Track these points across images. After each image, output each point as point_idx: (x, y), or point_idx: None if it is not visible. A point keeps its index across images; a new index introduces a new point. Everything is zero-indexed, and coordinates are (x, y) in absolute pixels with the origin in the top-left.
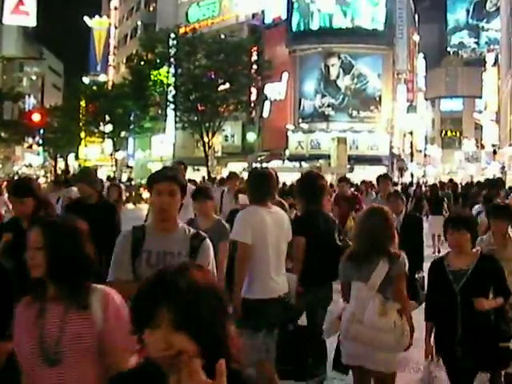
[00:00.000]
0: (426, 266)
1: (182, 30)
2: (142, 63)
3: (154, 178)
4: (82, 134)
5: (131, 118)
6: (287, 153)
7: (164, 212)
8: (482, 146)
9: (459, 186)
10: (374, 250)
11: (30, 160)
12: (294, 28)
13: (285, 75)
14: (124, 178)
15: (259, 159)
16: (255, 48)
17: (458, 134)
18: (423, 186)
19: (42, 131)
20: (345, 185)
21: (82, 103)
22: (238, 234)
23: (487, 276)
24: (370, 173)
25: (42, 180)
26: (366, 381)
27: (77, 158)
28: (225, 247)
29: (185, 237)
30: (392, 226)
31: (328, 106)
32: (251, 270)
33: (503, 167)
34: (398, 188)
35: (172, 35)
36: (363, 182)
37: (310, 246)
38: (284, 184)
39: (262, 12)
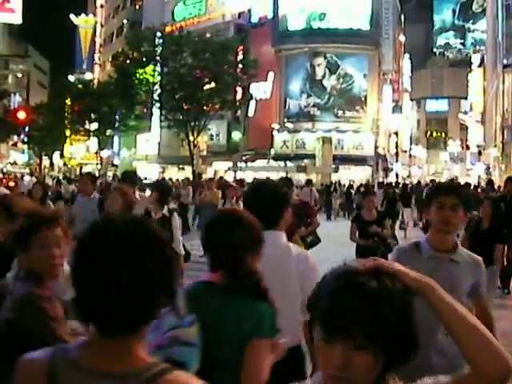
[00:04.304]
0: None
1: (168, 29)
2: (128, 61)
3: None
4: (68, 132)
5: (117, 117)
6: (272, 152)
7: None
8: (467, 147)
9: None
10: None
11: (15, 158)
12: (280, 27)
13: (270, 74)
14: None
15: (244, 158)
16: (241, 47)
17: (443, 135)
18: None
19: (27, 129)
20: (288, 191)
21: (68, 101)
22: None
23: None
24: (355, 172)
25: (27, 178)
26: None
27: (62, 156)
28: None
29: None
30: None
31: (313, 105)
32: None
33: (488, 168)
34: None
35: (158, 34)
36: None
37: None
38: None
39: (249, 11)
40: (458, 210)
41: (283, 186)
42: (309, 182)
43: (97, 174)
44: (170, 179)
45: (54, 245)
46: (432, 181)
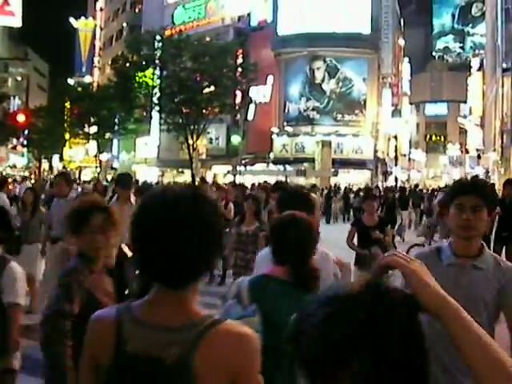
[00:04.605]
0: None
1: (167, 32)
2: (128, 65)
3: None
4: (67, 136)
5: (116, 120)
6: (272, 156)
7: None
8: (467, 151)
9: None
10: None
11: (15, 161)
12: (280, 31)
13: (270, 78)
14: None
15: (243, 162)
16: (241, 51)
17: (442, 139)
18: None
19: (26, 132)
20: None
21: (67, 104)
22: None
23: None
24: (355, 176)
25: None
26: None
27: (61, 159)
28: None
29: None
30: None
31: (313, 109)
32: None
33: (487, 172)
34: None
35: (158, 37)
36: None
37: None
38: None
39: (248, 15)
40: (481, 211)
41: (278, 190)
42: (313, 187)
43: (96, 178)
44: (169, 183)
45: (99, 231)
46: (444, 187)
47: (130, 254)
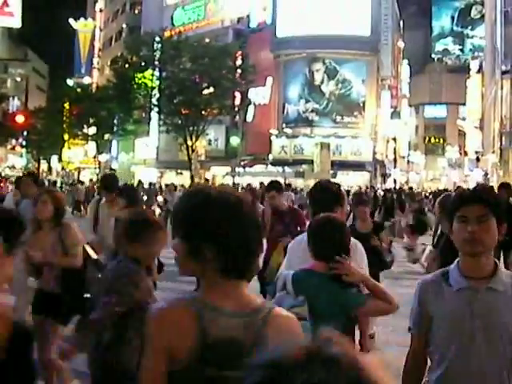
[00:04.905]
0: None
1: (167, 34)
2: (127, 66)
3: None
4: (66, 136)
5: (115, 121)
6: (270, 157)
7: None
8: (466, 153)
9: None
10: None
11: (13, 162)
12: (279, 33)
13: (269, 80)
14: None
15: (242, 163)
16: (240, 52)
17: (441, 141)
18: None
19: (25, 133)
20: (276, 195)
21: (66, 105)
22: None
23: None
24: (353, 178)
25: None
26: None
27: (60, 160)
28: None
29: None
30: None
31: (312, 111)
32: None
33: (486, 174)
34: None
35: (157, 38)
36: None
37: None
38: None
39: (247, 16)
40: (488, 222)
41: (272, 189)
42: None
43: (95, 179)
44: (164, 185)
45: (154, 243)
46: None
47: (93, 255)
